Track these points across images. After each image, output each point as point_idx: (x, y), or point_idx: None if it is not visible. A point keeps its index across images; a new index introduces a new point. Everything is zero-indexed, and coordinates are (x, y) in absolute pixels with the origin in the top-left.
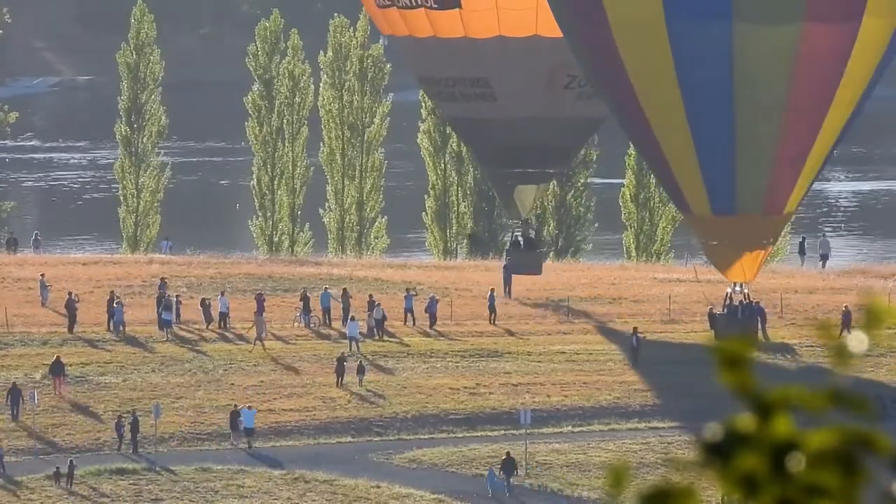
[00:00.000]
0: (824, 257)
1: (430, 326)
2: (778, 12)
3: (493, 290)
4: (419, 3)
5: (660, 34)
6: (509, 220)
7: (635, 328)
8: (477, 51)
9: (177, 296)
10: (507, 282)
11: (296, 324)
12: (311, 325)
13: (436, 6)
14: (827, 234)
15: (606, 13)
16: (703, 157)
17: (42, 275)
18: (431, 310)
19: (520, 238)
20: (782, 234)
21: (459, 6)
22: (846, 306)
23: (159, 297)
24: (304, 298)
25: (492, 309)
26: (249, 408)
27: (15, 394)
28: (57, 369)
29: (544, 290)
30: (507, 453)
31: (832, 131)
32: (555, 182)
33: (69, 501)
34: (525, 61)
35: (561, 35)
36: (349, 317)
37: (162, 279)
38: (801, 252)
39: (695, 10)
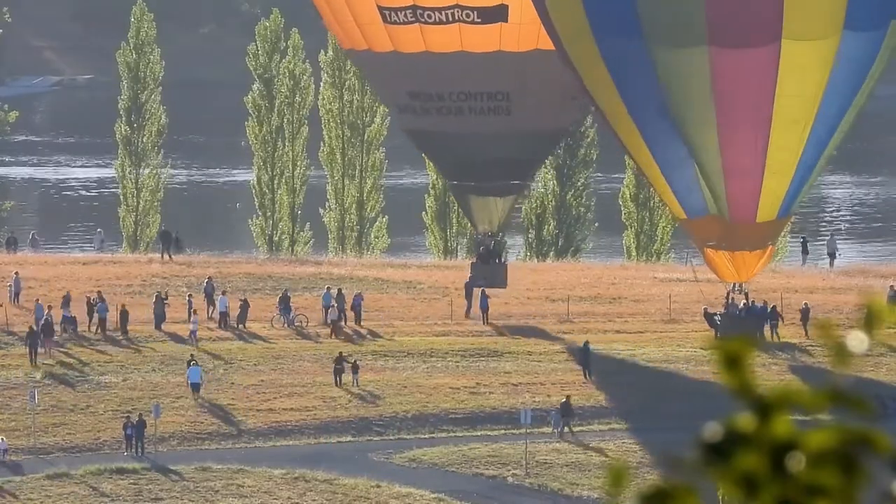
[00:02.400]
0: (832, 256)
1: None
2: (681, 35)
3: (483, 290)
4: (457, 18)
5: (593, 51)
6: (480, 234)
7: (586, 341)
8: (510, 64)
9: (98, 294)
10: (469, 296)
11: (275, 325)
12: (294, 325)
13: (479, 20)
14: (835, 233)
15: (556, 29)
16: (663, 168)
17: (16, 273)
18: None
19: (483, 252)
20: (780, 235)
21: (506, 20)
22: (805, 304)
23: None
24: (284, 298)
25: (483, 308)
26: (195, 363)
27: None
28: (47, 331)
29: (544, 290)
30: (567, 397)
31: (791, 145)
32: (554, 182)
33: (69, 501)
34: (550, 74)
35: None
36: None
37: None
38: (804, 252)
39: (613, 28)
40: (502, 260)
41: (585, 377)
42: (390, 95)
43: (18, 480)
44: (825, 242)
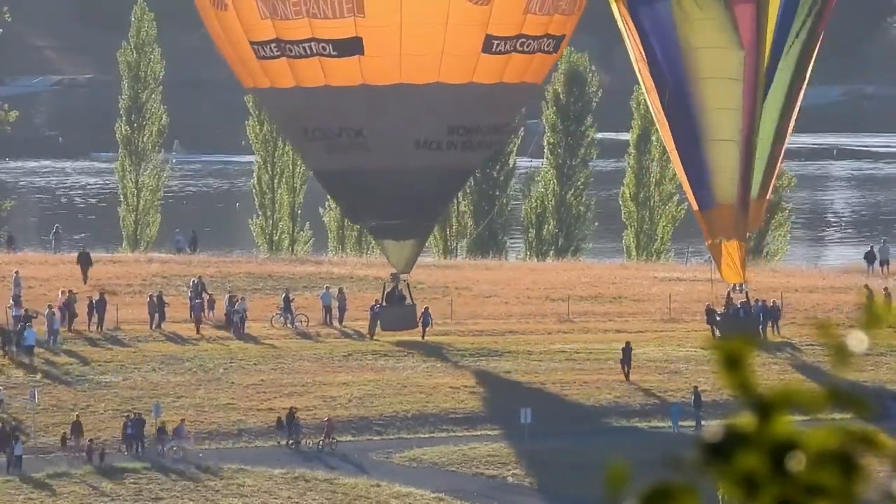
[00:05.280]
0: (885, 263)
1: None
2: None
3: (427, 307)
4: (533, 47)
5: (624, 11)
6: (399, 275)
7: (628, 342)
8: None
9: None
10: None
11: (275, 324)
12: (296, 325)
13: (549, 50)
14: (887, 240)
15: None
16: (680, 149)
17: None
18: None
19: (390, 294)
20: (775, 231)
21: (556, 51)
22: (774, 301)
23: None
24: (286, 299)
25: (425, 324)
26: (30, 326)
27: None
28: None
29: (544, 290)
30: (696, 387)
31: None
32: (554, 181)
33: (69, 501)
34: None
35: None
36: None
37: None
38: (870, 260)
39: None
40: (411, 301)
41: (626, 378)
42: (337, 129)
43: (18, 480)
44: (877, 249)
